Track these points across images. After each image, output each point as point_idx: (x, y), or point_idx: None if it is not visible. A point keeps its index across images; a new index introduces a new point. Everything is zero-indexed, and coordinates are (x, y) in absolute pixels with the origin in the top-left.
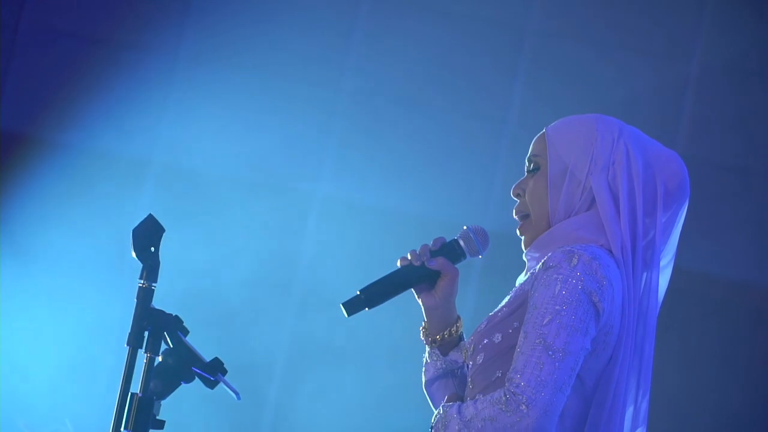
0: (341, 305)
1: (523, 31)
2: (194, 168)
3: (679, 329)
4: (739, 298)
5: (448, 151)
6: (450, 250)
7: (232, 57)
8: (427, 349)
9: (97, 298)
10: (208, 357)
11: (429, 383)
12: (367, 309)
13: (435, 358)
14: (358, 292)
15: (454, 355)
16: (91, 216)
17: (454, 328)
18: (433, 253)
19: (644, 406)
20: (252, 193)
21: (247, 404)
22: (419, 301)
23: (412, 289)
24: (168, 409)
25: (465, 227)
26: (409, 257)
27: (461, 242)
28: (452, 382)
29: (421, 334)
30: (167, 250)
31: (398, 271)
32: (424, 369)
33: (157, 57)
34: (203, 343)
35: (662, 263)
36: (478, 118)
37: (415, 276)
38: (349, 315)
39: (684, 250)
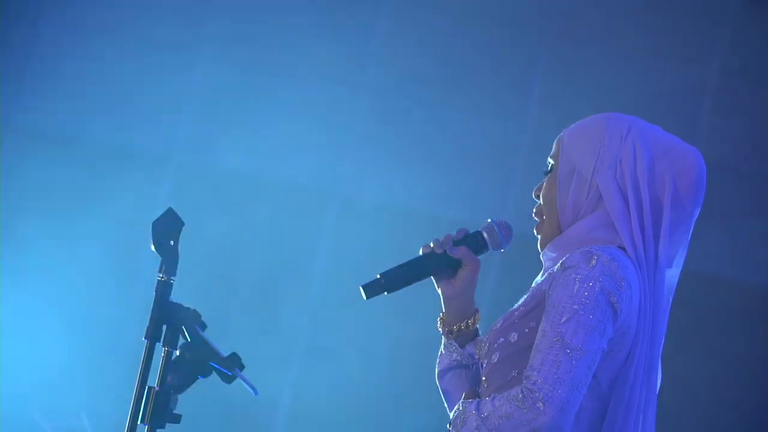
0: (361, 287)
1: (542, 33)
2: (212, 166)
3: (678, 330)
4: (742, 300)
5: (467, 151)
6: (473, 241)
7: (252, 56)
8: (444, 340)
9: (116, 293)
10: (224, 352)
11: (442, 374)
12: (386, 293)
13: (451, 350)
14: (378, 276)
15: (470, 348)
16: (110, 211)
17: (472, 320)
18: (456, 243)
19: (653, 404)
20: (271, 192)
21: (261, 400)
22: (438, 290)
23: (432, 278)
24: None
25: (489, 220)
26: (432, 245)
27: (485, 234)
28: (465, 374)
29: (438, 324)
30: (184, 246)
31: (420, 257)
32: (438, 360)
33: (177, 55)
34: (218, 338)
35: (674, 261)
36: (497, 119)
37: (436, 264)
38: (368, 297)
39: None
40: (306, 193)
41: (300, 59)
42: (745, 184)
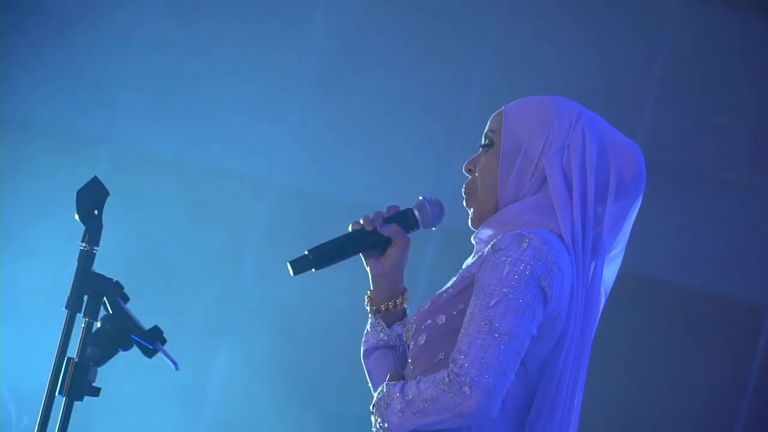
0: (288, 263)
1: (484, 27)
2: (148, 150)
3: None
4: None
5: (405, 143)
6: (403, 219)
7: (191, 39)
8: (371, 318)
9: (43, 268)
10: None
11: (367, 353)
12: (313, 270)
13: (378, 329)
14: (306, 252)
15: (398, 328)
16: (42, 190)
17: (400, 299)
18: (386, 220)
19: (579, 398)
20: (205, 179)
21: (189, 385)
22: (367, 268)
23: (361, 255)
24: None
25: (421, 197)
26: (362, 222)
27: (416, 212)
28: (391, 355)
29: (366, 303)
30: (118, 230)
31: (349, 234)
32: (364, 339)
33: (116, 37)
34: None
35: (613, 253)
36: (436, 111)
37: (365, 241)
38: (295, 274)
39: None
40: (239, 181)
41: (238, 48)
42: (684, 184)
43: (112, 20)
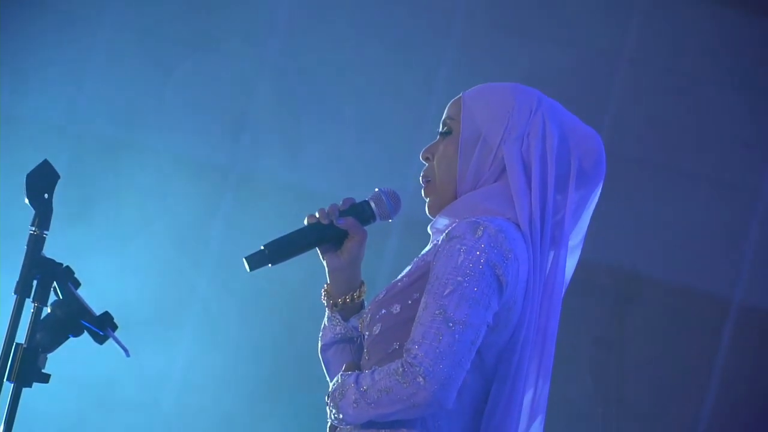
0: (244, 259)
1: (450, 17)
2: (110, 137)
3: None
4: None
5: (368, 131)
6: (360, 211)
7: (157, 27)
8: (327, 312)
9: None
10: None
11: (325, 348)
12: (270, 265)
13: (335, 323)
14: (262, 247)
15: (354, 321)
16: (6, 180)
17: (357, 293)
18: (342, 213)
19: (545, 391)
20: (170, 167)
21: (151, 376)
22: (324, 262)
23: (318, 249)
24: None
25: (377, 189)
26: (317, 215)
27: (372, 204)
28: (349, 349)
29: (323, 297)
30: (82, 220)
31: (305, 228)
32: (321, 333)
33: (81, 23)
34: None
35: (571, 244)
36: (402, 101)
37: (321, 235)
38: (251, 270)
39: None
40: (205, 171)
41: (199, 34)
42: (648, 176)
43: (78, 5)
